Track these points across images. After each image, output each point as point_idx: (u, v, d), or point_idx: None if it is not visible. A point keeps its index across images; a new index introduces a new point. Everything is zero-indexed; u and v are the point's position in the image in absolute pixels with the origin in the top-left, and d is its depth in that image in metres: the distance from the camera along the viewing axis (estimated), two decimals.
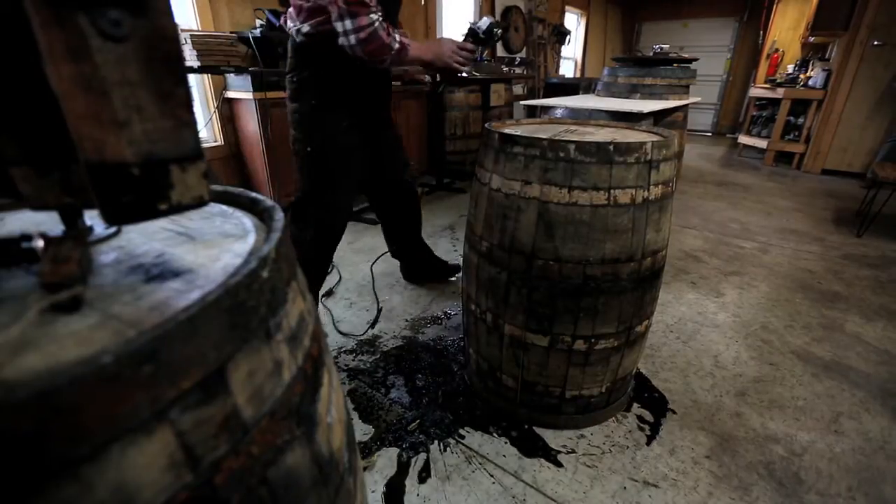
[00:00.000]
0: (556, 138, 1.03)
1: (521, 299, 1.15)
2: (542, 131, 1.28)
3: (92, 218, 0.44)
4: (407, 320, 1.84)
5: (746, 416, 1.37)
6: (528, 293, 1.14)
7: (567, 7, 6.32)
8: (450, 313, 1.90)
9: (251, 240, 0.44)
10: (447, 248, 2.59)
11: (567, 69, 6.96)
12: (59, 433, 0.22)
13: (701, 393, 1.46)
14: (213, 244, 0.43)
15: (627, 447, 1.25)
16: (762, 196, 3.87)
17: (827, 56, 5.08)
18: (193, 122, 0.35)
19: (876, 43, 4.20)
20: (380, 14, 1.23)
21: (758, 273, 2.37)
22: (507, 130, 1.17)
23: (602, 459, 1.21)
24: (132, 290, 0.34)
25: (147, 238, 0.44)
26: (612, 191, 1.03)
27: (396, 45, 1.28)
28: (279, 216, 0.45)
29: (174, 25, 0.32)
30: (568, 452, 1.23)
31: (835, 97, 4.50)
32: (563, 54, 6.52)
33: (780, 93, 4.96)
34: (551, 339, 1.17)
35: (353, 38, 1.22)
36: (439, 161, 3.87)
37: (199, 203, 0.37)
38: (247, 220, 0.49)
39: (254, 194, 0.53)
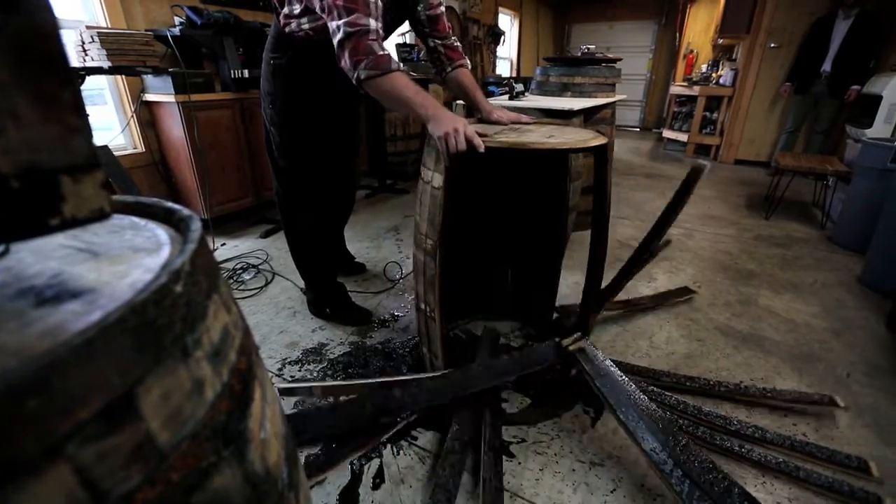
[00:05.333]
0: (493, 139, 1.05)
1: None
2: (481, 130, 1.29)
3: None
4: (353, 325, 1.80)
5: None
6: None
7: (500, 8, 6.46)
8: (397, 315, 1.88)
9: (165, 253, 0.41)
10: (392, 249, 2.56)
11: (503, 69, 7.13)
12: None
13: None
14: (120, 260, 0.40)
15: (574, 431, 1.30)
16: None
17: (734, 57, 5.58)
18: (86, 128, 0.32)
19: (772, 45, 4.67)
20: (378, 25, 1.15)
21: (684, 257, 2.56)
22: None
23: (551, 445, 1.25)
24: (19, 316, 0.31)
25: (41, 257, 0.40)
26: None
27: (381, 52, 1.14)
28: (196, 226, 0.42)
29: (54, 21, 0.29)
30: (519, 442, 1.26)
31: (742, 94, 4.96)
32: (498, 54, 6.67)
33: (696, 90, 5.39)
34: None
35: (340, 33, 1.12)
36: (381, 162, 3.83)
37: (100, 216, 0.34)
38: (161, 232, 0.46)
39: (169, 204, 0.49)
